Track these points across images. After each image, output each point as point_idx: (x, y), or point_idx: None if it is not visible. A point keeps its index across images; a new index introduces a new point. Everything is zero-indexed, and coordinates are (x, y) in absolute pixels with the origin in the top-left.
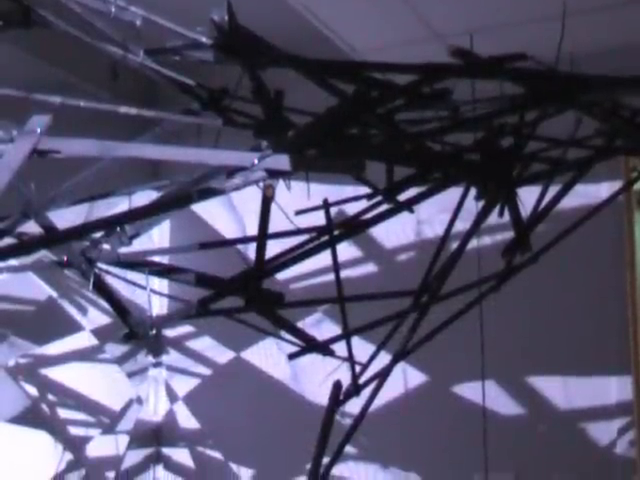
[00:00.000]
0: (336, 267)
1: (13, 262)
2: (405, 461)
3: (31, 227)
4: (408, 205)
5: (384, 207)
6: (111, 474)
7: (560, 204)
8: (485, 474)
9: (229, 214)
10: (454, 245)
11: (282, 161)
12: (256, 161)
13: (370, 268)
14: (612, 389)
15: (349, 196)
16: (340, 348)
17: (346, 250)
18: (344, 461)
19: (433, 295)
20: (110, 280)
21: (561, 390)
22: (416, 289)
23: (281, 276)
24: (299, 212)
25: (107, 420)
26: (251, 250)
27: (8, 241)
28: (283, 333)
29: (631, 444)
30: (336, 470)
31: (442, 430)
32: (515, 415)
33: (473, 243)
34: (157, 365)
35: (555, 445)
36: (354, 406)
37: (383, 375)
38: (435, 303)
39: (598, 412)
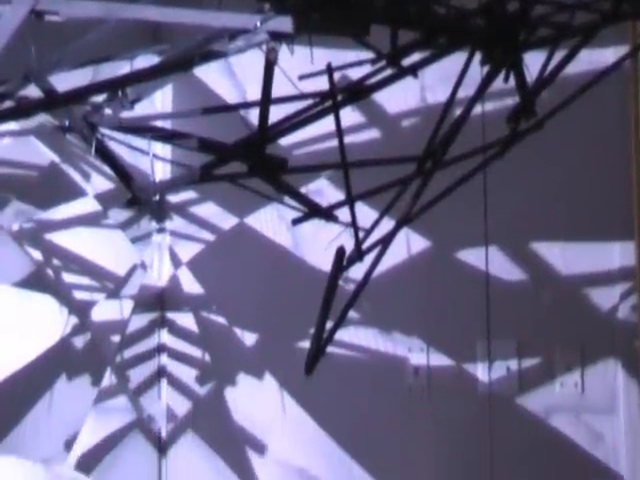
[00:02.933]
0: (339, 133)
1: (15, 127)
2: (408, 327)
3: (33, 92)
4: (412, 70)
5: (388, 72)
6: (116, 338)
7: (566, 70)
8: (488, 341)
9: (231, 82)
10: (458, 111)
11: (285, 23)
12: (258, 23)
13: (374, 134)
14: (615, 255)
15: (353, 61)
16: (343, 214)
17: (349, 116)
18: (347, 326)
19: (437, 161)
20: (113, 146)
21: (564, 256)
22: (420, 155)
23: (284, 142)
24: (302, 77)
25: (111, 285)
26: (254, 116)
27: (9, 105)
28: (287, 199)
29: (633, 309)
30: (339, 335)
31: (445, 297)
32: (518, 282)
33: (477, 109)
34: (161, 231)
35: (557, 311)
36: (357, 272)
37: (386, 241)
38: (439, 169)
39: (601, 278)
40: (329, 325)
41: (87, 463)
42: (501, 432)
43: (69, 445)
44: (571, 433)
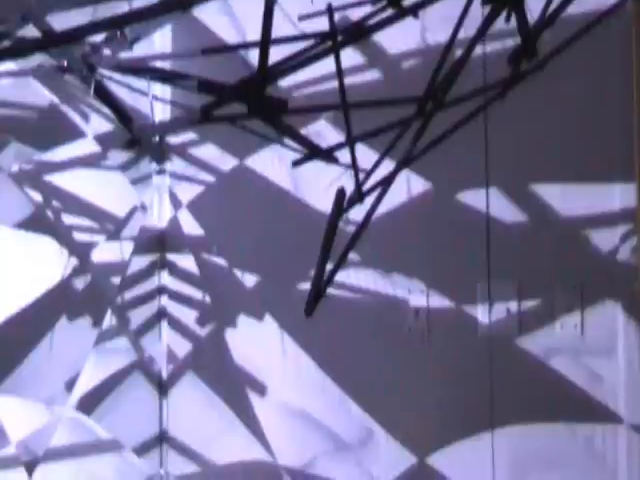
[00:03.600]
0: (340, 74)
1: (13, 67)
2: (408, 269)
3: (31, 32)
4: (413, 10)
5: (388, 13)
6: (116, 279)
7: (567, 11)
8: (488, 283)
9: (231, 22)
10: (459, 52)
11: None
12: None
13: (374, 75)
14: (616, 196)
15: (353, 1)
16: (344, 156)
17: (350, 57)
18: (347, 268)
19: (438, 102)
20: (112, 87)
21: (564, 198)
22: (420, 96)
23: (284, 83)
24: (302, 17)
25: (111, 227)
26: (254, 57)
27: (7, 45)
28: (287, 140)
29: (633, 251)
30: (339, 277)
31: (445, 239)
32: (518, 223)
33: (478, 50)
34: (160, 172)
35: (557, 253)
36: (357, 213)
37: (387, 182)
38: (439, 110)
39: (601, 219)
40: (329, 267)
41: (88, 404)
42: (501, 373)
43: (70, 386)
44: (570, 374)
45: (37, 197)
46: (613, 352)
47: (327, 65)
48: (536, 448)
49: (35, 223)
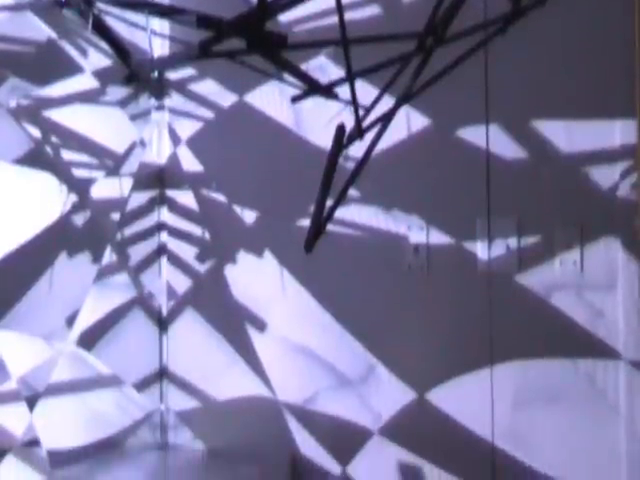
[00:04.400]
0: (340, 8)
1: (11, 2)
2: (407, 205)
3: None
4: None
5: None
6: (116, 216)
7: None
8: (487, 219)
9: None
10: None
11: None
12: None
13: (374, 10)
14: (616, 132)
15: None
16: (344, 91)
17: None
18: (347, 204)
19: (438, 37)
20: (110, 21)
21: (565, 134)
22: (421, 31)
23: (284, 18)
24: None
25: (111, 163)
26: None
27: None
28: (286, 76)
29: (633, 187)
30: (339, 213)
31: (445, 175)
32: (518, 160)
33: None
34: (160, 108)
35: (557, 189)
36: (357, 150)
37: (386, 118)
38: (440, 46)
39: (602, 156)
40: (329, 203)
41: (88, 340)
42: (500, 309)
43: (70, 322)
44: (570, 310)
45: (36, 133)
46: (612, 288)
47: (327, 0)
48: (536, 384)
49: (34, 159)
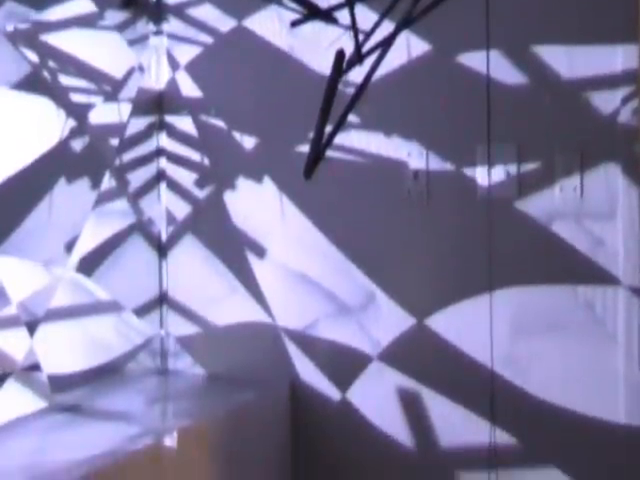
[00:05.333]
0: None
1: None
2: (407, 132)
3: None
4: None
5: None
6: (115, 141)
7: None
8: (488, 145)
9: None
10: None
11: None
12: None
13: None
14: (618, 58)
15: None
16: (343, 16)
17: None
18: (346, 130)
19: None
20: None
21: (566, 59)
22: None
23: None
24: None
25: (109, 88)
26: None
27: None
28: (285, 0)
29: (634, 113)
30: (338, 139)
31: (445, 101)
32: (519, 85)
33: None
34: (158, 33)
35: (558, 115)
36: (357, 75)
37: (386, 44)
38: None
39: (603, 81)
40: (328, 129)
41: (88, 265)
42: (500, 236)
43: (69, 248)
44: (570, 237)
45: (33, 57)
46: (612, 215)
47: None
48: (535, 310)
49: (32, 84)
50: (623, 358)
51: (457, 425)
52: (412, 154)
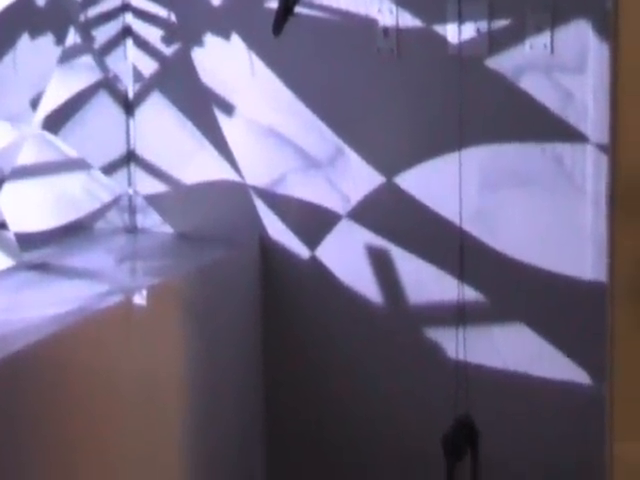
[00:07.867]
0: None
1: None
2: None
3: None
4: None
5: None
6: None
7: None
8: (458, 3)
9: None
10: None
11: None
12: None
13: None
14: None
15: None
16: None
17: None
18: None
19: None
20: None
21: None
22: None
23: None
24: None
25: None
26: None
27: None
28: None
29: None
30: None
31: None
32: None
33: None
34: None
35: None
36: None
37: None
38: None
39: None
40: None
41: (54, 123)
42: (470, 93)
43: (35, 104)
44: (540, 94)
45: None
46: (583, 69)
47: None
48: (504, 167)
49: None
50: (591, 212)
51: (426, 282)
52: (382, 10)
